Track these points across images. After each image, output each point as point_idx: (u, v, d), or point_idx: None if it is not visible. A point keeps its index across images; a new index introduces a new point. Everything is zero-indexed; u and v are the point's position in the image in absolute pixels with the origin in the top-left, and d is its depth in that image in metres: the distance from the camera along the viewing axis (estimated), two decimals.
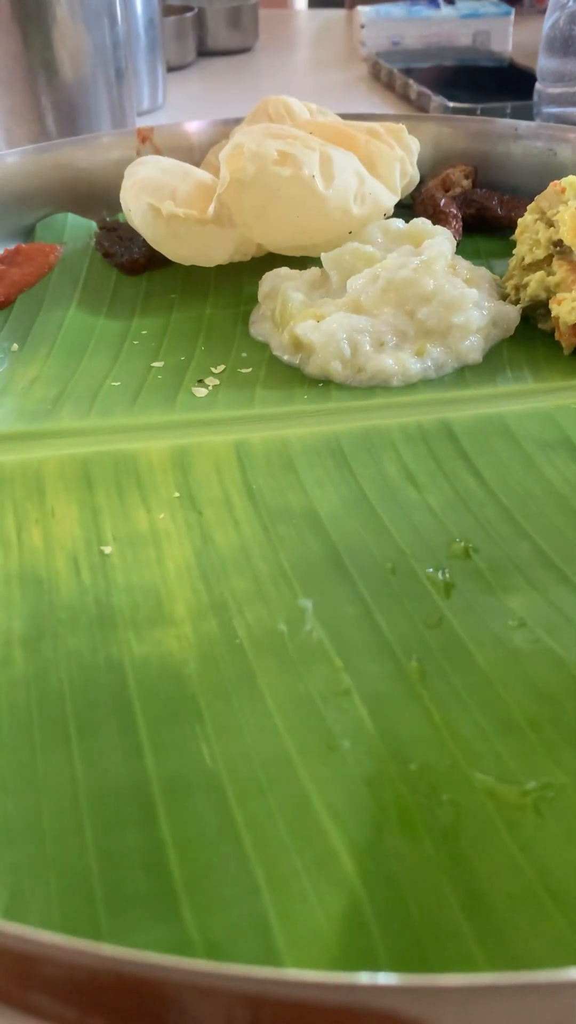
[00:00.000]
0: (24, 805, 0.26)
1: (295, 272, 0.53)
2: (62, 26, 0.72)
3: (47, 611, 0.34)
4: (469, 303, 0.47)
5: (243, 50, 1.34)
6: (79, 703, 0.30)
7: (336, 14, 1.75)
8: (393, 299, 0.47)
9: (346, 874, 0.24)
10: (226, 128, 0.68)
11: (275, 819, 0.26)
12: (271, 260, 0.57)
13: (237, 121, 0.67)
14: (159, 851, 0.25)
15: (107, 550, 0.37)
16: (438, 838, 0.25)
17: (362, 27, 1.22)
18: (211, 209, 0.52)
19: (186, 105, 1.08)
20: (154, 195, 0.53)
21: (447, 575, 0.35)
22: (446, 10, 1.23)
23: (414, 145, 0.59)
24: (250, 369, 0.49)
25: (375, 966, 0.22)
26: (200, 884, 0.24)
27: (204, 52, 1.29)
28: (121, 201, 0.57)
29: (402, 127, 0.58)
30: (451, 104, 0.90)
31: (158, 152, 0.68)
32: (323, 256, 0.53)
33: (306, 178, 0.51)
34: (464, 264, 0.52)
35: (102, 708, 0.30)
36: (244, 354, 0.50)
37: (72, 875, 0.24)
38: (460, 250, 0.54)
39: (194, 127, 0.69)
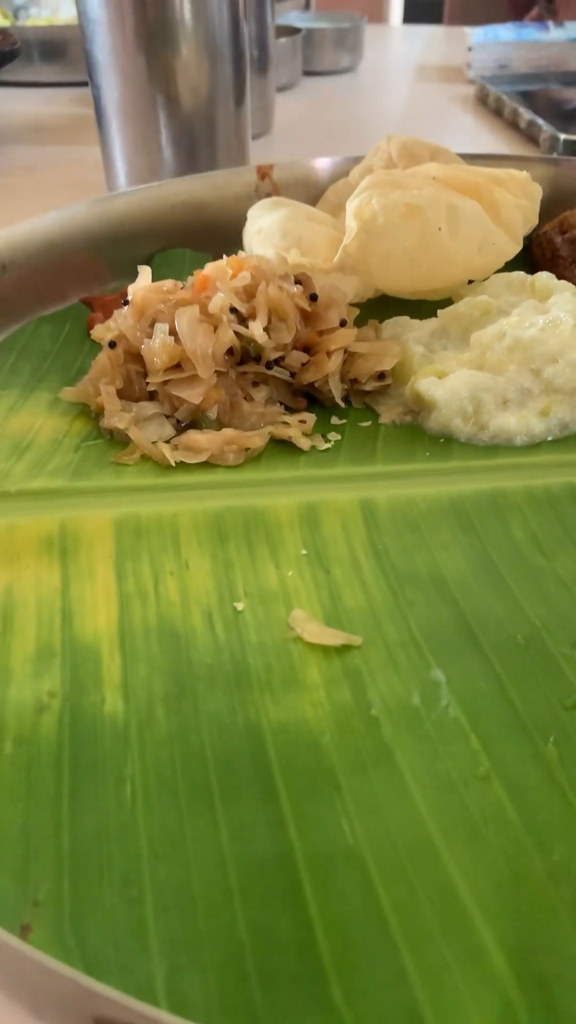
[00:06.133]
0: (174, 872, 0.27)
1: (415, 322, 0.53)
2: (186, 59, 0.73)
3: (186, 668, 0.35)
4: None
5: (347, 70, 1.34)
6: (221, 767, 0.31)
7: (437, 31, 1.75)
8: (519, 357, 0.47)
9: (498, 972, 0.24)
10: (345, 165, 0.69)
11: (421, 905, 0.26)
12: (384, 301, 0.58)
13: (356, 160, 0.68)
14: (307, 928, 0.26)
15: (239, 606, 0.37)
16: None
17: (469, 50, 1.22)
18: (336, 258, 0.53)
19: (292, 128, 1.08)
20: (280, 243, 0.54)
21: None
22: (555, 32, 1.22)
23: (537, 193, 0.59)
24: (369, 423, 0.49)
25: None
26: (349, 966, 0.25)
27: (308, 72, 1.30)
28: (245, 245, 0.58)
29: (526, 176, 0.58)
30: (563, 136, 0.89)
31: (276, 189, 0.69)
32: (440, 312, 0.53)
33: (433, 231, 0.51)
34: None
35: (243, 774, 0.31)
36: (361, 405, 0.51)
37: (225, 949, 0.25)
38: None
39: (312, 165, 0.70)
